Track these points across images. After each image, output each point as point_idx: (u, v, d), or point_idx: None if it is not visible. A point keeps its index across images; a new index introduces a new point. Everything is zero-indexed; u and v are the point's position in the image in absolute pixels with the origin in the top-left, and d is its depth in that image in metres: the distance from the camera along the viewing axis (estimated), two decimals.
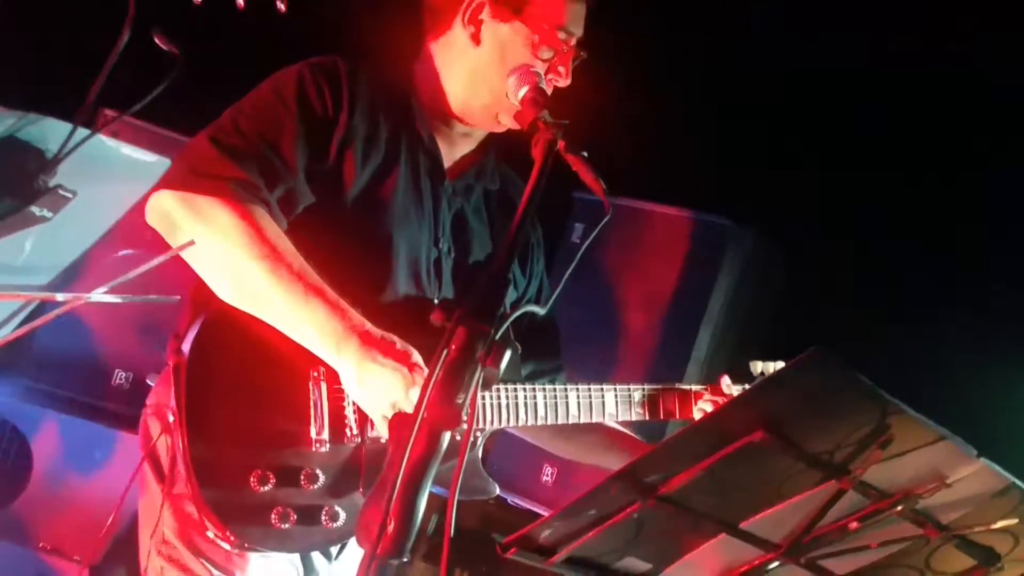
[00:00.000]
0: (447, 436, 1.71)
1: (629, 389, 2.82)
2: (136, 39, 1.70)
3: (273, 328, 2.35)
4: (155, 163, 1.79)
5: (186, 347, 2.36)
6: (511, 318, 1.76)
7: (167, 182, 2.29)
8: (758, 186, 4.60)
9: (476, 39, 2.61)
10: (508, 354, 1.75)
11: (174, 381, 2.35)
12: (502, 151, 2.89)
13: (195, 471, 2.27)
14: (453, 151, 2.76)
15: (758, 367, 3.01)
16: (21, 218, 1.58)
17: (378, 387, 2.31)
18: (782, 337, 4.42)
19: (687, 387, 2.94)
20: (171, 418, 2.34)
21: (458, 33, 2.64)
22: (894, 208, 4.52)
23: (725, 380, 2.96)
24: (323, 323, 2.32)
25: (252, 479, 2.30)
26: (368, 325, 2.35)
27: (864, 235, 4.53)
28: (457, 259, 2.72)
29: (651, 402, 2.85)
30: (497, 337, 1.72)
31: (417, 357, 2.36)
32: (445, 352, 1.69)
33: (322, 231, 2.48)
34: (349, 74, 2.56)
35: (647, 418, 2.84)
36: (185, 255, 2.33)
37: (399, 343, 2.35)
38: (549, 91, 2.43)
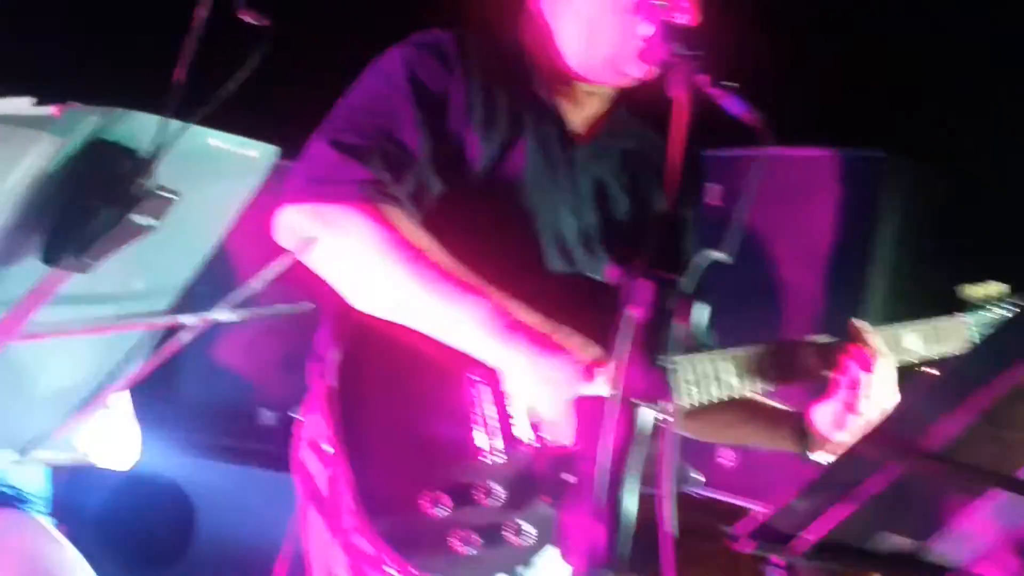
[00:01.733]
0: (650, 415, 1.42)
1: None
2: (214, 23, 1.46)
3: (420, 335, 2.13)
4: (259, 156, 1.53)
5: (332, 369, 2.14)
6: (700, 266, 1.46)
7: (289, 196, 2.13)
8: (905, 112, 4.18)
9: None
10: (701, 308, 1.45)
11: (326, 408, 2.13)
12: (633, 106, 2.58)
13: (363, 502, 2.06)
14: (580, 113, 2.47)
15: (967, 291, 2.63)
16: (123, 229, 1.34)
17: (554, 382, 2.07)
18: (966, 274, 3.99)
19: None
20: (329, 448, 2.11)
21: None
22: None
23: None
24: (483, 321, 2.09)
25: (425, 503, 2.07)
26: (532, 317, 2.11)
27: None
28: (605, 228, 2.45)
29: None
30: (688, 289, 1.42)
31: (594, 348, 2.11)
32: (629, 312, 1.39)
33: (456, 218, 2.24)
34: (456, 46, 2.32)
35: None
36: (319, 268, 2.14)
37: (573, 339, 2.11)
38: None
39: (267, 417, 4.47)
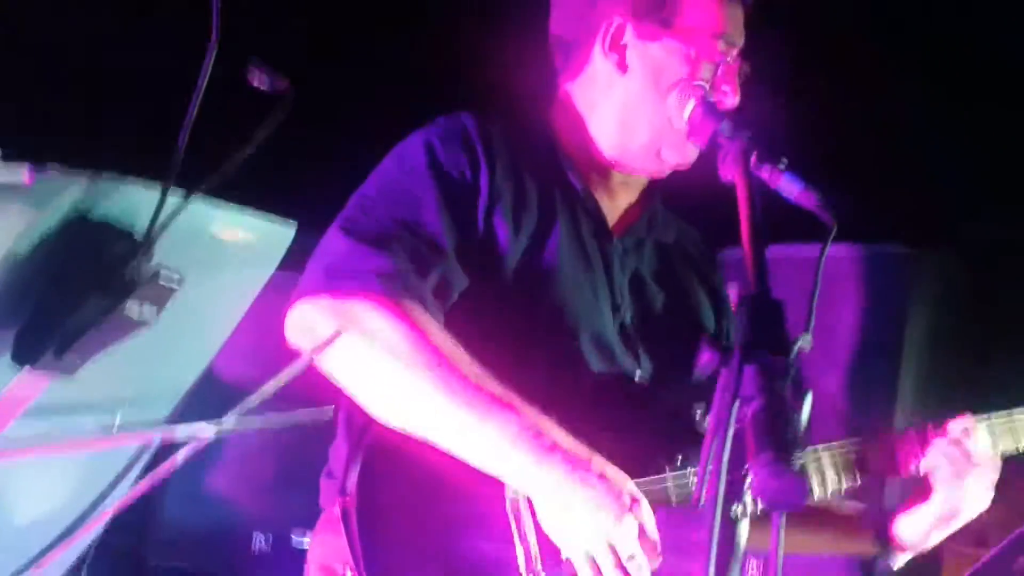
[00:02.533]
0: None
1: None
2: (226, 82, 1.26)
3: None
4: (274, 235, 1.31)
5: (351, 486, 1.90)
6: (803, 348, 1.24)
7: (304, 290, 1.92)
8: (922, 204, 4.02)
9: (623, 67, 2.18)
10: (808, 396, 1.23)
11: (344, 529, 1.89)
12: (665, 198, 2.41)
13: None
14: (614, 204, 2.29)
15: None
16: (116, 323, 1.11)
17: (584, 517, 1.85)
18: (992, 365, 3.79)
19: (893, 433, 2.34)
20: (347, 573, 1.87)
21: (599, 65, 2.21)
22: None
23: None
24: (515, 440, 1.86)
25: None
26: (570, 440, 1.89)
27: None
28: (644, 327, 2.23)
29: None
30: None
31: (632, 486, 1.91)
32: (735, 401, 1.15)
33: (483, 317, 2.03)
34: (481, 130, 2.14)
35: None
36: (335, 371, 1.92)
37: (610, 467, 1.89)
38: None
39: (261, 541, 4.17)
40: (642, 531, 1.86)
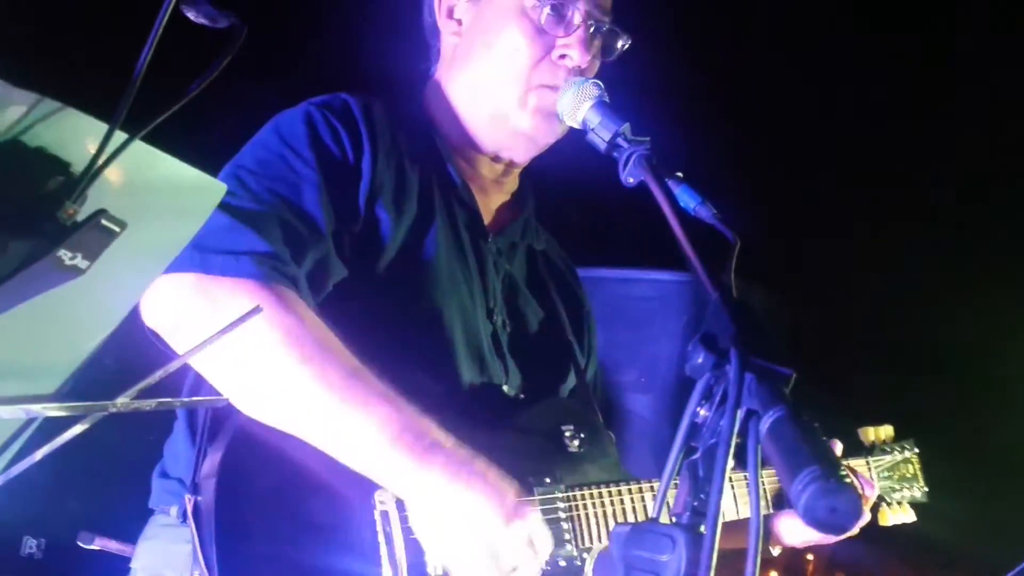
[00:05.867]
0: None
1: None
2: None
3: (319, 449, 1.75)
4: (207, 197, 1.16)
5: (207, 481, 1.71)
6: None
7: (171, 264, 1.69)
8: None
9: (459, 31, 2.15)
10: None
11: (195, 529, 1.71)
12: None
13: None
14: (487, 201, 2.23)
15: (870, 435, 2.57)
16: (43, 272, 0.94)
17: (473, 520, 1.75)
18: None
19: None
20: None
21: (447, 41, 2.18)
22: None
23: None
24: (392, 440, 1.74)
25: None
26: (452, 442, 1.79)
27: None
28: (514, 336, 2.15)
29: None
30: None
31: (513, 482, 1.82)
32: (739, 412, 1.07)
33: (356, 309, 1.90)
34: (364, 111, 2.02)
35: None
36: (198, 363, 1.75)
37: (494, 471, 1.80)
38: (564, 77, 2.02)
39: (31, 546, 3.86)
40: (530, 541, 1.77)
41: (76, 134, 0.97)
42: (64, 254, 0.95)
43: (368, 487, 1.79)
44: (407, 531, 1.80)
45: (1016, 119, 3.91)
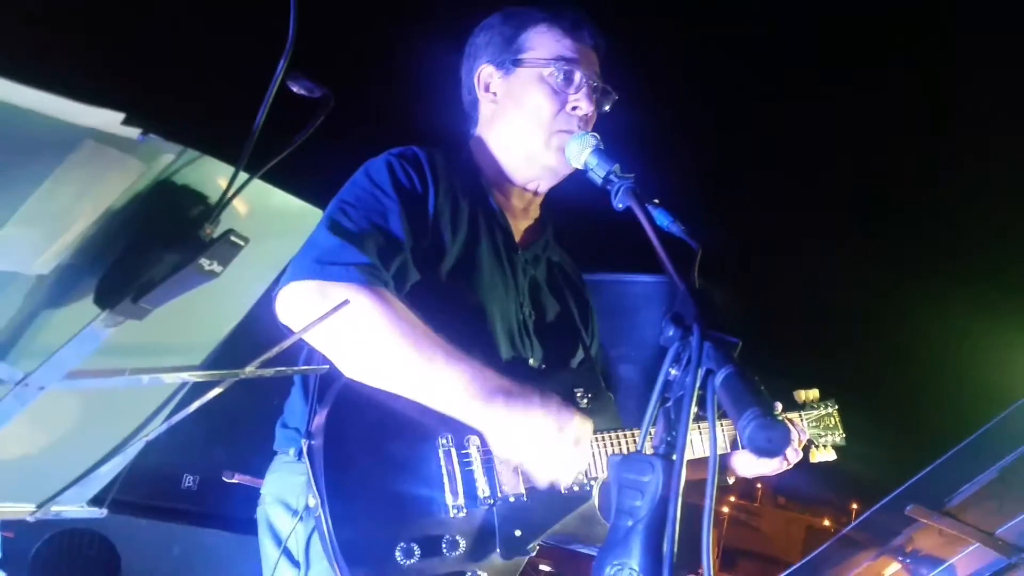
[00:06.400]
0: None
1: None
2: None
3: (397, 402, 1.79)
4: (307, 220, 1.16)
5: (318, 429, 1.74)
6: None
7: (296, 275, 1.78)
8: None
9: (495, 100, 2.18)
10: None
11: (310, 465, 1.73)
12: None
13: (343, 552, 1.66)
14: (517, 224, 2.23)
15: (801, 395, 2.53)
16: (189, 275, 0.95)
17: (531, 436, 1.79)
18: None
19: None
20: (310, 502, 1.70)
21: (486, 108, 2.20)
22: None
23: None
24: (466, 386, 1.79)
25: (398, 553, 1.68)
26: (509, 383, 1.82)
27: None
28: (538, 322, 2.15)
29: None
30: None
31: (559, 402, 1.87)
32: (699, 370, 1.07)
33: (425, 304, 1.91)
34: (429, 159, 2.06)
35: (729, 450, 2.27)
36: (318, 338, 1.79)
37: (545, 396, 1.83)
38: (579, 125, 2.06)
39: (190, 481, 3.88)
40: (576, 440, 1.82)
41: (211, 174, 0.98)
42: (204, 262, 0.95)
43: (435, 433, 1.80)
44: (464, 464, 1.81)
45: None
